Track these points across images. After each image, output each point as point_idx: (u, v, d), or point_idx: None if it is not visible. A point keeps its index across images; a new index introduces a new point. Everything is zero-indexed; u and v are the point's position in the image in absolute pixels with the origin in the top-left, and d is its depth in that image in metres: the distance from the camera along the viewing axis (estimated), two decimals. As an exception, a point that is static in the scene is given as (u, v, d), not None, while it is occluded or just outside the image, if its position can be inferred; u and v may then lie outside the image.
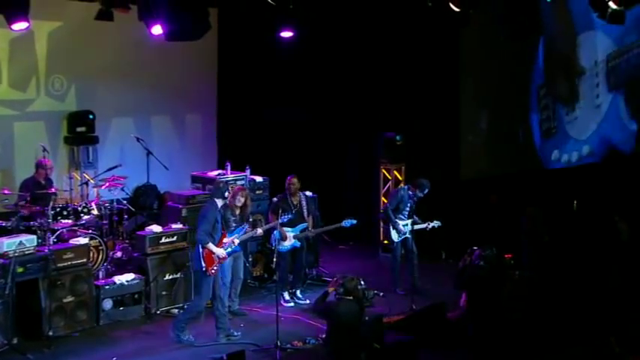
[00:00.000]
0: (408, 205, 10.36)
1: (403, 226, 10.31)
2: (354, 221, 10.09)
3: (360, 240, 12.78)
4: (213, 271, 8.51)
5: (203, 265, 8.46)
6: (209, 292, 8.58)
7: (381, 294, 7.71)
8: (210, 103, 13.25)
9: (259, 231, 9.56)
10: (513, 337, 7.61)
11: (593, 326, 8.12)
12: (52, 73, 11.32)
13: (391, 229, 10.34)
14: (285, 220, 9.50)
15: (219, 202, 8.64)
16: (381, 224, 11.72)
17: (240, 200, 9.10)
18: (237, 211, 9.23)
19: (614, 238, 10.52)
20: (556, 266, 10.83)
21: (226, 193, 8.65)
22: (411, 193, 10.37)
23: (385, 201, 12.19)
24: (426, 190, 10.29)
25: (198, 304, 8.61)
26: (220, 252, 8.58)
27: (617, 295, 9.02)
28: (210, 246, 8.47)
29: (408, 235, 10.36)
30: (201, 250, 8.46)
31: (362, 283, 7.31)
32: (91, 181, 10.88)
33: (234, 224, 9.26)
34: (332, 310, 7.30)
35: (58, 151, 11.38)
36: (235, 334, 8.75)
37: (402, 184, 12.22)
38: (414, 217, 10.44)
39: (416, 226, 10.34)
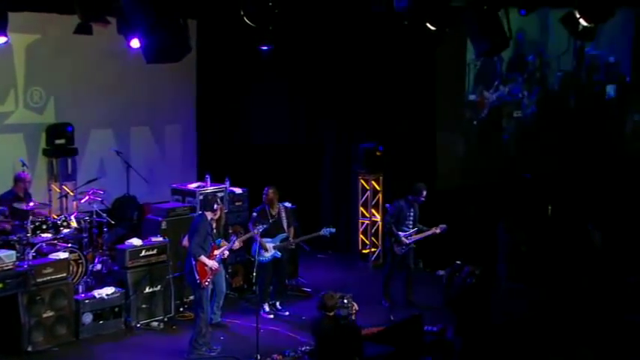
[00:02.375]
0: (410, 214, 10.34)
1: (406, 237, 10.29)
2: (333, 230, 10.15)
3: (339, 249, 12.87)
4: (206, 283, 8.60)
5: (197, 277, 8.54)
6: (208, 304, 8.69)
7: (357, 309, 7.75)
8: (190, 115, 13.26)
9: (236, 245, 9.59)
10: (500, 350, 7.71)
11: (569, 335, 8.25)
12: (30, 85, 11.29)
13: (393, 242, 10.31)
14: (261, 229, 9.56)
15: (209, 215, 8.71)
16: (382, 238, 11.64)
17: (216, 214, 9.17)
18: (214, 224, 9.28)
19: (587, 246, 10.67)
20: (534, 276, 11.00)
21: (215, 206, 8.72)
22: (409, 201, 10.36)
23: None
24: (424, 193, 10.30)
25: (206, 319, 8.67)
26: (213, 264, 8.67)
27: (590, 302, 9.16)
28: (203, 258, 8.55)
29: (412, 246, 10.34)
30: (194, 263, 8.53)
31: (345, 301, 7.39)
32: (71, 193, 10.88)
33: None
34: (314, 326, 7.38)
35: (36, 164, 11.36)
36: (215, 347, 8.80)
37: (379, 195, 12.39)
38: (419, 225, 10.39)
39: (422, 234, 10.33)
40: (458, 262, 8.24)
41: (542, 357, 7.68)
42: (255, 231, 9.54)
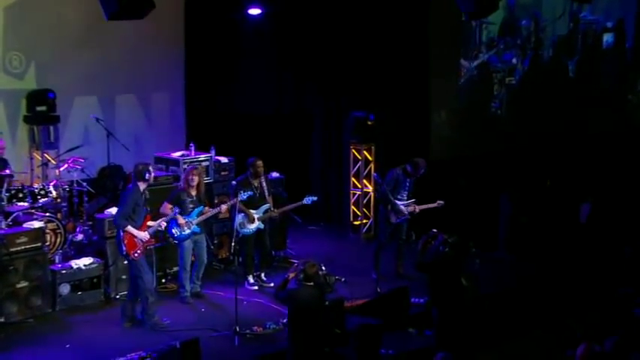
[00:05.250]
0: (406, 186, 10.04)
1: (404, 206, 9.99)
2: (315, 198, 9.91)
3: (331, 221, 12.59)
4: (136, 255, 8.28)
5: (124, 249, 8.24)
6: (147, 273, 8.40)
7: (343, 279, 7.51)
8: (178, 82, 12.89)
9: (223, 207, 9.34)
10: (477, 320, 7.48)
11: (556, 308, 8.03)
12: (9, 50, 10.92)
13: (389, 210, 9.98)
14: (245, 197, 9.27)
15: (142, 185, 8.36)
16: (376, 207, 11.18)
17: (194, 180, 8.98)
18: (194, 192, 9.07)
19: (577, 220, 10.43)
20: (532, 248, 10.76)
21: (147, 175, 8.35)
22: (407, 173, 10.04)
23: (359, 183, 12.10)
24: (422, 170, 9.99)
25: (148, 288, 8.40)
26: (143, 235, 8.32)
27: (579, 277, 8.93)
28: (131, 229, 8.22)
29: (407, 216, 10.05)
30: (122, 234, 8.23)
31: (323, 268, 7.14)
32: (52, 161, 10.60)
33: (191, 206, 9.12)
34: (292, 296, 7.12)
35: (17, 131, 11.07)
36: (164, 320, 8.52)
37: (371, 165, 12.07)
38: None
39: (424, 206, 10.09)
40: (434, 230, 7.99)
41: (526, 328, 7.44)
42: (240, 198, 9.23)
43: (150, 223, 8.49)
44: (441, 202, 10.19)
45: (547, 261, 10.13)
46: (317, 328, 6.98)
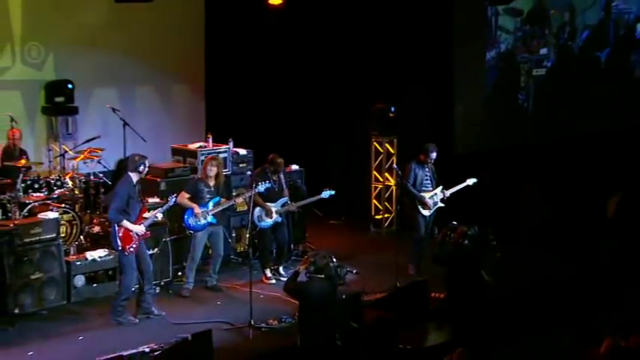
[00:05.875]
0: (427, 174, 9.84)
1: (430, 197, 9.78)
2: (333, 192, 9.76)
3: (352, 215, 12.39)
4: (131, 249, 8.06)
5: (119, 244, 8.02)
6: (134, 271, 8.15)
7: (355, 271, 7.34)
8: (198, 73, 12.79)
9: (239, 200, 9.18)
10: (496, 315, 7.27)
11: (582, 304, 7.78)
12: (28, 40, 10.90)
13: (418, 205, 9.77)
14: (263, 189, 9.10)
15: (135, 177, 8.12)
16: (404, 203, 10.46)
17: (212, 170, 8.85)
18: (212, 182, 8.96)
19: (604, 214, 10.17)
20: (555, 243, 10.51)
21: (141, 167, 8.08)
22: (421, 162, 9.85)
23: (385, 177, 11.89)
24: (434, 153, 9.78)
25: (127, 285, 8.20)
26: (138, 228, 8.09)
27: (609, 272, 8.65)
28: (126, 223, 7.99)
29: (440, 205, 9.84)
30: (116, 228, 8.02)
31: (334, 260, 6.94)
32: (70, 152, 10.53)
33: (208, 196, 9.01)
34: (303, 289, 6.97)
35: (35, 122, 11.04)
36: (156, 312, 8.37)
37: (393, 158, 11.85)
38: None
39: (455, 189, 9.89)
40: (453, 222, 7.77)
41: (547, 324, 7.21)
42: (257, 190, 9.06)
43: (146, 215, 8.31)
44: (474, 179, 9.96)
45: (571, 255, 9.90)
46: (328, 321, 6.81)
